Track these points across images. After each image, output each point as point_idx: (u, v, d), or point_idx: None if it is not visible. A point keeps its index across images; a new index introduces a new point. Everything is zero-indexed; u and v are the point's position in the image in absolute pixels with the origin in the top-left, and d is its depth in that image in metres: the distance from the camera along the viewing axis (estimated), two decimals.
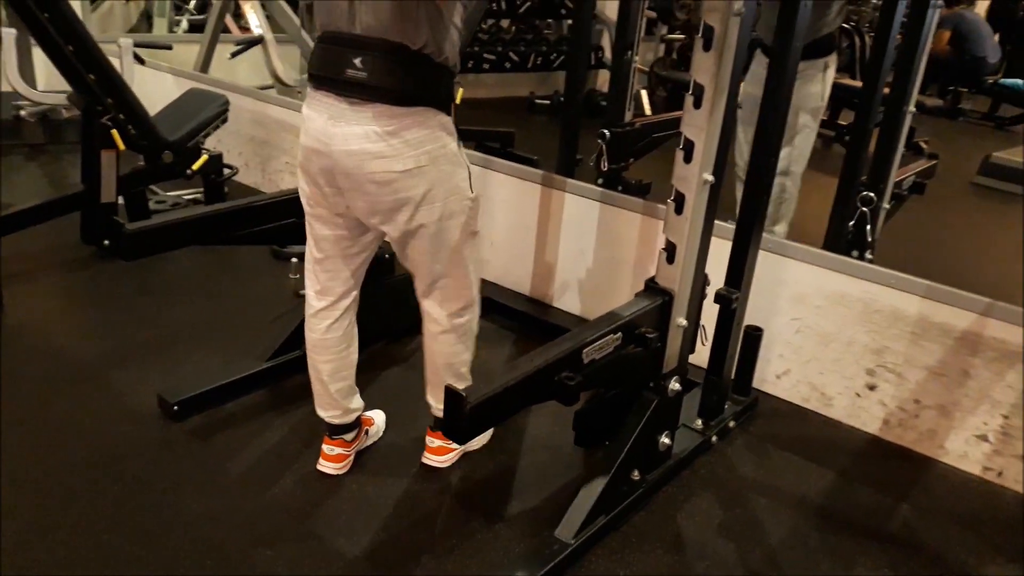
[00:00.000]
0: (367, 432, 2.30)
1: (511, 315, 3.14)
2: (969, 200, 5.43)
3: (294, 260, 3.30)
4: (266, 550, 1.91)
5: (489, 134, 4.90)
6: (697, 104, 1.84)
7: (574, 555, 1.91)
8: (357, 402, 2.19)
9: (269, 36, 4.89)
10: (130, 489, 2.07)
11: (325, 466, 2.18)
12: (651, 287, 2.01)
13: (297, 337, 2.66)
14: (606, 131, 3.60)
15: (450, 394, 1.52)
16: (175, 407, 2.36)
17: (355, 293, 2.08)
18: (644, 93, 6.42)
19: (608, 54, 6.72)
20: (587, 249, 3.08)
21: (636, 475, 2.11)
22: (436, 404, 2.19)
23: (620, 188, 3.65)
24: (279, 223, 2.55)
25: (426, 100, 1.73)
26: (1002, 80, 7.75)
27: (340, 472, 2.18)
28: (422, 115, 1.73)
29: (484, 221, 3.34)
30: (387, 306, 2.73)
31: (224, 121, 3.75)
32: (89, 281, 3.26)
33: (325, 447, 2.18)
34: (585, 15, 3.45)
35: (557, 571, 1.86)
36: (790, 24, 2.06)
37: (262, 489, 2.11)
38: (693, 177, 1.88)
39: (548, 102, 6.81)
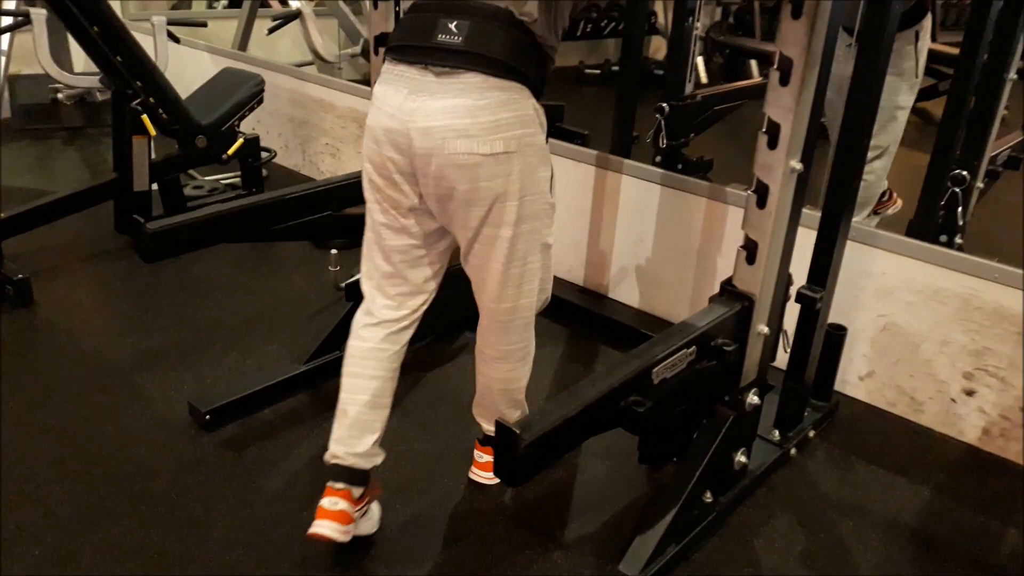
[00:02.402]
0: (368, 510, 1.84)
1: (563, 307, 2.91)
2: None
3: (334, 252, 3.12)
4: (301, 573, 1.76)
5: None
6: (784, 80, 1.58)
7: None
8: (380, 451, 1.82)
9: (307, 10, 4.69)
10: (157, 510, 1.92)
11: (324, 528, 1.68)
12: (728, 291, 1.77)
13: (337, 337, 2.48)
14: (665, 105, 3.33)
15: (501, 429, 1.31)
16: (207, 416, 2.21)
17: (425, 306, 1.83)
18: (700, 61, 6.08)
19: (661, 19, 6.38)
20: (646, 236, 2.84)
21: (708, 496, 1.89)
22: (486, 424, 1.99)
23: (680, 166, 3.39)
24: (314, 217, 2.37)
25: (524, 78, 1.51)
26: None
27: (344, 539, 1.70)
28: (518, 93, 1.51)
29: None
30: (434, 301, 2.54)
31: (260, 102, 3.57)
32: (123, 274, 3.12)
33: (326, 501, 1.71)
34: None
35: None
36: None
37: (299, 509, 1.94)
38: (779, 165, 1.63)
39: (599, 71, 6.50)
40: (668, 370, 1.57)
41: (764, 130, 1.64)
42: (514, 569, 1.81)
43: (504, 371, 1.86)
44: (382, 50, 2.31)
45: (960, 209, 2.68)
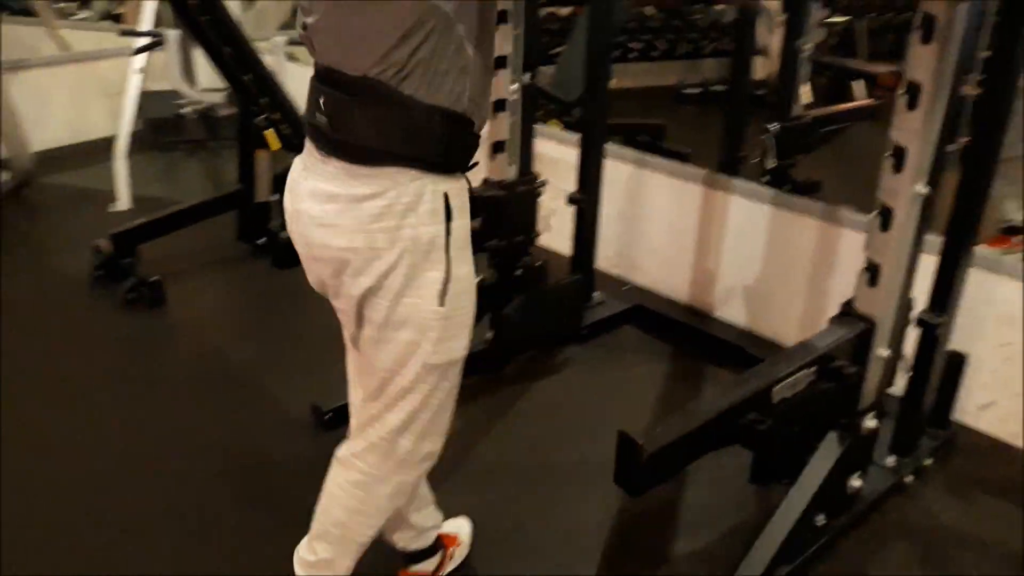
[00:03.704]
0: (452, 556, 1.82)
1: (667, 325, 2.93)
2: None
3: None
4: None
5: (638, 127, 4.69)
6: (912, 104, 1.58)
7: None
8: (434, 516, 1.75)
9: None
10: (277, 504, 2.02)
11: None
12: (849, 313, 1.77)
13: None
14: (775, 125, 3.31)
15: (624, 440, 1.35)
16: (327, 415, 2.32)
17: None
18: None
19: (762, 40, 6.31)
20: (754, 256, 2.83)
21: (821, 520, 1.88)
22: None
23: (787, 187, 3.36)
24: None
25: (401, 158, 1.21)
26: None
27: None
28: (392, 180, 1.21)
29: (640, 223, 3.17)
30: (536, 315, 2.60)
31: None
32: (246, 279, 3.30)
33: None
34: None
35: None
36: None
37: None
38: (904, 189, 1.63)
39: (698, 91, 6.48)
40: (789, 389, 1.58)
41: (890, 153, 1.63)
42: None
43: (347, 496, 1.51)
44: (499, 71, 2.42)
45: None
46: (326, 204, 1.25)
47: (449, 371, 1.36)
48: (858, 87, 6.19)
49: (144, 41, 4.14)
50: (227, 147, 4.87)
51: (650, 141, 4.60)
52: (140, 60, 4.31)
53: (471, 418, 2.41)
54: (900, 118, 1.61)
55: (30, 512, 1.98)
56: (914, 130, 1.60)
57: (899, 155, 1.62)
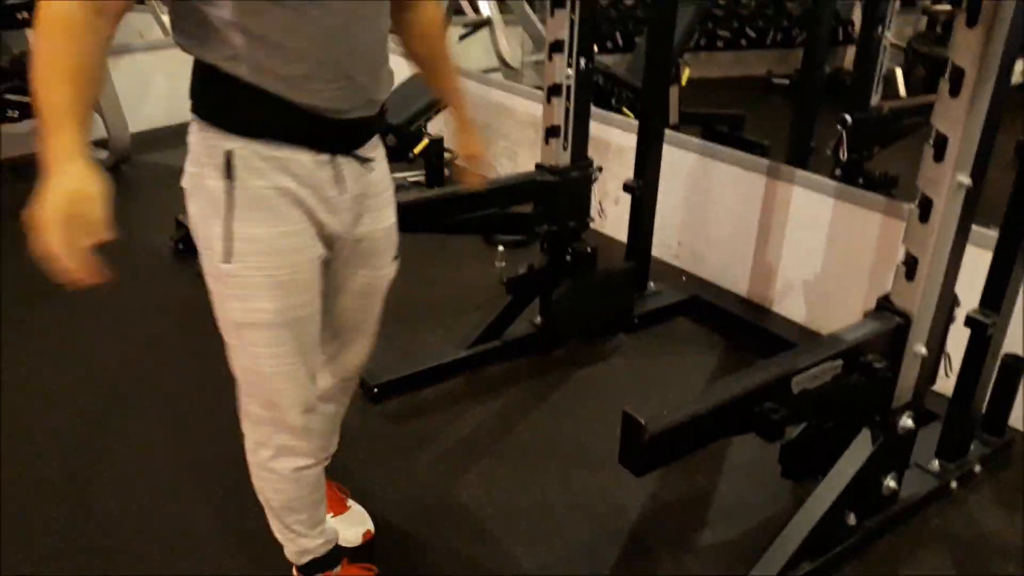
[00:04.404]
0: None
1: (723, 318, 2.89)
2: None
3: (501, 248, 3.27)
4: (442, 543, 1.89)
5: (716, 117, 4.62)
6: (955, 91, 1.52)
7: None
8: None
9: (497, 18, 4.90)
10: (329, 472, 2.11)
11: None
12: (884, 307, 1.71)
13: (497, 327, 2.63)
14: (847, 116, 3.20)
15: (627, 419, 1.36)
16: (374, 389, 2.40)
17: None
18: (899, 72, 5.74)
19: (859, 28, 6.08)
20: (816, 250, 2.76)
21: (852, 519, 1.83)
22: None
23: (861, 181, 3.25)
24: (487, 212, 2.51)
25: (193, 105, 1.27)
26: None
27: None
28: (191, 128, 1.28)
29: (703, 213, 3.13)
30: (586, 301, 2.62)
31: (446, 105, 3.79)
32: None
33: None
34: None
35: None
36: None
37: (447, 481, 2.09)
38: (944, 179, 1.57)
39: (787, 82, 6.29)
40: (810, 381, 1.55)
41: (931, 141, 1.58)
42: (643, 567, 1.85)
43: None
44: (555, 55, 2.44)
45: None
46: None
47: (244, 333, 1.32)
48: None
49: None
50: None
51: (728, 132, 4.52)
52: None
53: (513, 399, 2.45)
54: (942, 105, 1.55)
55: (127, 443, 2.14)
56: (956, 118, 1.54)
57: (940, 144, 1.56)
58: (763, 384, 1.50)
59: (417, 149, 3.70)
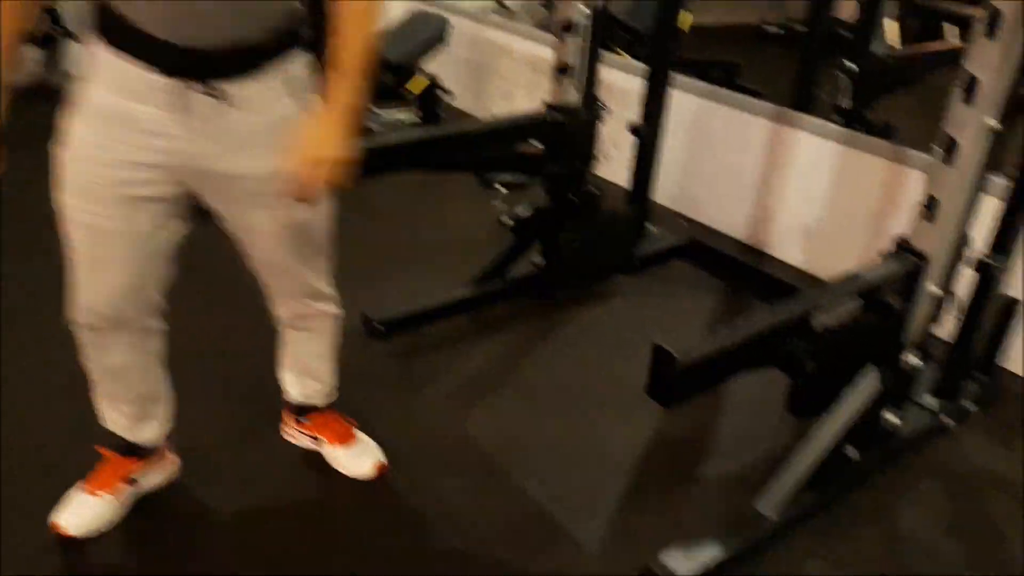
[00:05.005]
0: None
1: (721, 261, 2.91)
2: None
3: (503, 189, 3.24)
4: (452, 479, 1.90)
5: (712, 64, 4.58)
6: (990, 32, 1.52)
7: (775, 532, 1.75)
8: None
9: None
10: (335, 406, 2.10)
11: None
12: (903, 248, 1.74)
13: (499, 266, 2.62)
14: (852, 64, 3.20)
15: (658, 352, 1.38)
16: (382, 327, 2.39)
17: None
18: (892, 23, 5.72)
19: None
20: (817, 195, 2.78)
21: (853, 452, 1.88)
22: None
23: (859, 128, 3.26)
24: (489, 151, 2.48)
25: None
26: None
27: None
28: None
29: (703, 158, 3.13)
30: (588, 243, 2.62)
31: (443, 43, 3.72)
32: None
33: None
34: None
35: (756, 549, 1.71)
36: None
37: (455, 419, 2.10)
38: (973, 121, 1.58)
39: (780, 31, 6.26)
40: (833, 319, 1.58)
41: (961, 84, 1.58)
42: (648, 498, 1.88)
43: None
44: None
45: None
46: None
47: (64, 219, 1.41)
48: (952, 32, 5.89)
49: None
50: None
51: (723, 78, 4.50)
52: None
53: (517, 338, 2.47)
54: (977, 47, 1.56)
55: None
56: (990, 61, 1.54)
57: (971, 86, 1.57)
58: (787, 320, 1.53)
59: (417, 89, 3.63)
